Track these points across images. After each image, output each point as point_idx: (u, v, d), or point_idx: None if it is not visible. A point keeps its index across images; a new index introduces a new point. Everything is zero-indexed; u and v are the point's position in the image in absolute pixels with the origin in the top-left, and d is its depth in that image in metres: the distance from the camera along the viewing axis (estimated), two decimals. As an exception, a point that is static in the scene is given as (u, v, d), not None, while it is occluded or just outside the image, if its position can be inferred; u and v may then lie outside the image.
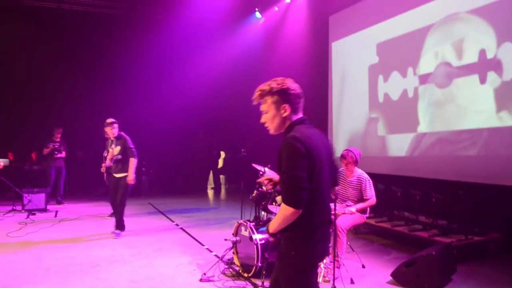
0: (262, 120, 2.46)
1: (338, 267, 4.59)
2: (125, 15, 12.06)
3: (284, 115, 2.38)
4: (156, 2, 12.00)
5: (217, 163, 14.48)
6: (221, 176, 14.49)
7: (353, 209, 5.05)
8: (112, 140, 7.02)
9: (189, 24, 11.73)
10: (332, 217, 4.60)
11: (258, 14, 11.56)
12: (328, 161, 2.39)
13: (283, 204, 2.23)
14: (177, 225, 7.90)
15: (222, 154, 14.61)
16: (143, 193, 12.36)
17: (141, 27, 12.04)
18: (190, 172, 13.73)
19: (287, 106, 2.38)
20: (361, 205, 5.13)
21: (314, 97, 10.14)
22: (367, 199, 5.15)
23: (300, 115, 2.43)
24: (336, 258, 4.41)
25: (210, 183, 14.38)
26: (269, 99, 2.40)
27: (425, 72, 7.01)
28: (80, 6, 11.65)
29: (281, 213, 2.27)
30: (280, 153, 2.30)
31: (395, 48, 7.69)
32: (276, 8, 11.05)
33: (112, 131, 6.92)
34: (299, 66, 10.57)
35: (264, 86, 2.41)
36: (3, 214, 8.65)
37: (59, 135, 10.05)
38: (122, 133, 7.03)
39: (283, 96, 2.37)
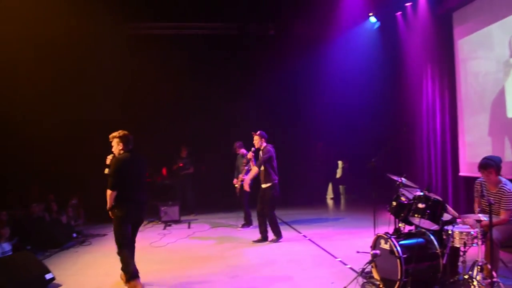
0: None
1: (493, 286, 4.18)
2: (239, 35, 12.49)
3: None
4: (266, 20, 12.31)
5: (335, 173, 14.30)
6: (340, 186, 14.26)
7: None
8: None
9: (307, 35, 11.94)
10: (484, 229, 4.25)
11: (372, 19, 11.27)
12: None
13: None
14: (304, 236, 7.89)
15: (340, 163, 14.39)
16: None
17: (254, 46, 12.37)
18: (308, 182, 13.64)
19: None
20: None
21: (440, 101, 9.54)
22: (501, 214, 4.58)
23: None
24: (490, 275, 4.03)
25: (329, 194, 14.21)
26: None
27: None
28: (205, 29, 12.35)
29: None
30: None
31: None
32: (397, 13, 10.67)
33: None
34: (423, 68, 10.06)
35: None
36: (143, 225, 9.43)
37: (185, 152, 11.10)
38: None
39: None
